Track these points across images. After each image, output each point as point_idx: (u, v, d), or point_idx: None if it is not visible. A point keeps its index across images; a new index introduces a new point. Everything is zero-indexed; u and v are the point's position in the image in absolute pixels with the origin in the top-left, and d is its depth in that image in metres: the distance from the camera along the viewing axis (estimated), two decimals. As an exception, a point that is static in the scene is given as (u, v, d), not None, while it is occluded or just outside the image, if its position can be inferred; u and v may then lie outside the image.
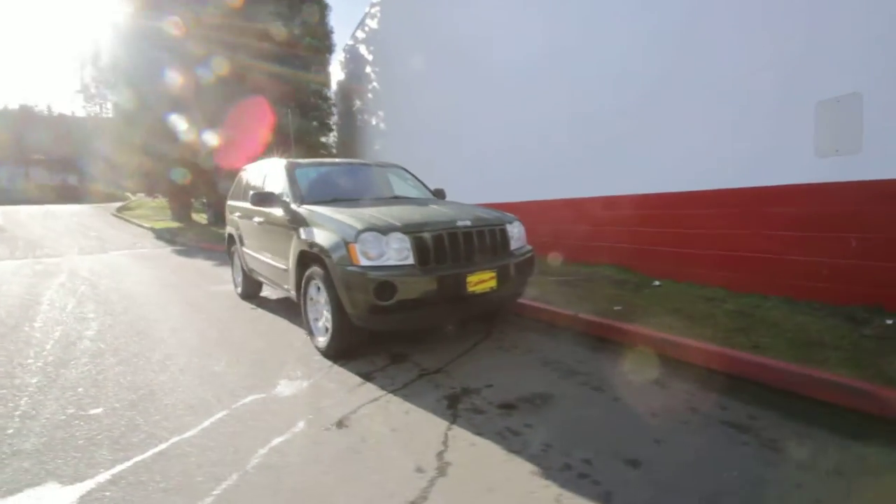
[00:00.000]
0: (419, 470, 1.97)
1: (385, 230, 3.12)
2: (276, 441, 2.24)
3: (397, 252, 3.10)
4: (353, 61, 14.92)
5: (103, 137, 18.16)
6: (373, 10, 13.25)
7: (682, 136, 4.72)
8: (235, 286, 5.88)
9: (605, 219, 5.59)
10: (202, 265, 8.82)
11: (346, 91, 15.35)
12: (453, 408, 2.54)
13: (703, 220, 4.57)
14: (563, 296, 4.58)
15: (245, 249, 5.16)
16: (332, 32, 14.10)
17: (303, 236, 3.59)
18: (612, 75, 5.46)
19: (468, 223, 3.42)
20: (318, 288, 3.47)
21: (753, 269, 4.16)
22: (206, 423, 2.44)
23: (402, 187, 4.92)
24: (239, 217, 5.36)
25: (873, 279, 3.41)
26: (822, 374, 2.52)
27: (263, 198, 4.11)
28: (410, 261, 3.10)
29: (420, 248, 3.14)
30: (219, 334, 4.19)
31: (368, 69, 13.94)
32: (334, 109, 14.47)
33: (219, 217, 18.12)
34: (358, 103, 15.17)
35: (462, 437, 2.22)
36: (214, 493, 1.86)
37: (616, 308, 4.13)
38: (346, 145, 15.01)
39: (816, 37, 3.62)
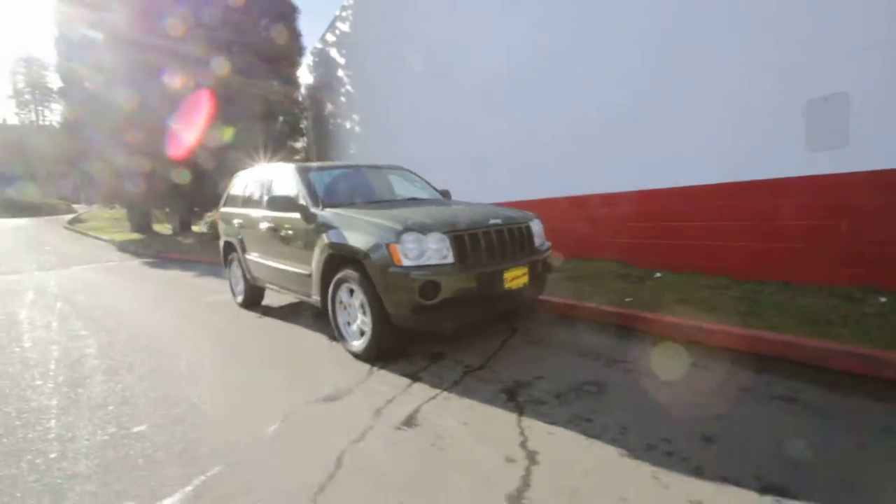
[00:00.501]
0: (509, 460, 2.01)
1: (424, 230, 3.14)
2: (354, 443, 2.22)
3: (437, 251, 3.12)
4: (323, 65, 14.71)
5: (48, 146, 17.00)
6: (344, 14, 13.13)
7: (679, 135, 5.00)
8: (234, 295, 5.68)
9: (603, 216, 5.81)
10: (183, 277, 8.44)
11: (316, 95, 15.10)
12: (513, 400, 2.60)
13: (700, 214, 4.85)
14: (573, 290, 4.73)
15: (249, 257, 5.01)
16: (300, 35, 13.82)
17: (330, 240, 3.54)
18: (608, 75, 5.70)
19: (499, 221, 3.49)
20: (351, 291, 3.44)
21: (750, 258, 4.46)
22: (271, 431, 2.38)
23: (411, 189, 4.93)
24: (239, 224, 5.19)
25: (864, 262, 3.75)
26: (851, 347, 2.75)
27: (280, 202, 4.01)
28: (450, 260, 3.13)
29: (459, 246, 3.18)
30: (237, 344, 4.06)
31: (341, 73, 13.78)
32: (306, 114, 14.18)
33: (185, 226, 17.36)
34: (329, 107, 14.95)
35: (537, 427, 2.28)
36: (317, 495, 1.83)
37: (627, 299, 4.32)
38: (319, 150, 14.75)
39: (809, 40, 3.95)
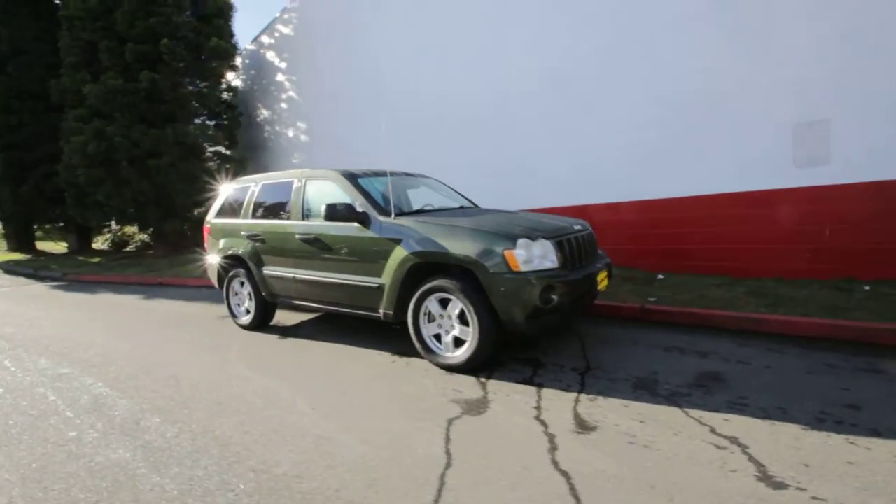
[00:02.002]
0: (720, 447, 2.14)
1: (534, 236, 3.18)
2: (549, 455, 2.17)
3: (545, 257, 3.17)
4: (257, 68, 13.76)
5: None
6: (286, 16, 12.48)
7: (681, 150, 5.61)
8: (235, 316, 5.07)
9: (604, 223, 6.26)
10: (130, 301, 7.30)
11: (248, 100, 14.04)
12: (657, 395, 2.73)
13: (698, 221, 5.49)
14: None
15: (269, 271, 4.53)
16: (233, 36, 12.80)
17: (416, 248, 3.39)
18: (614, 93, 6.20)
19: (580, 227, 3.65)
20: (443, 301, 3.33)
21: (747, 259, 5.16)
22: (447, 450, 2.23)
23: (444, 197, 4.86)
24: (251, 236, 4.68)
25: (844, 258, 4.57)
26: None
27: (339, 212, 3.73)
28: (556, 264, 3.20)
29: (561, 251, 3.26)
30: (301, 375, 3.65)
31: (281, 77, 13.01)
32: (241, 119, 13.10)
33: (83, 243, 14.83)
34: (265, 113, 14.02)
35: (710, 417, 2.43)
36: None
37: (651, 299, 4.73)
38: (254, 158, 13.68)
39: (797, 74, 4.73)
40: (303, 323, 5.07)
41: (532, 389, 2.93)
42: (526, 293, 3.01)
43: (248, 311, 4.95)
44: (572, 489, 1.90)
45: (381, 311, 3.69)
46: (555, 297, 3.08)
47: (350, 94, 10.66)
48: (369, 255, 3.72)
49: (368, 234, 3.73)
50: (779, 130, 4.83)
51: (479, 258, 3.10)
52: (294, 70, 12.59)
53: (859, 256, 4.48)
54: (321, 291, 4.13)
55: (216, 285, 5.32)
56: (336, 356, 3.88)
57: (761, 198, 5.05)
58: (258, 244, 4.64)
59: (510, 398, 2.82)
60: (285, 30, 12.69)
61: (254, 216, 4.80)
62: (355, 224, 3.80)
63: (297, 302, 4.46)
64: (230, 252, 4.96)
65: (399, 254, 3.50)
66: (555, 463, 2.10)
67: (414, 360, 3.60)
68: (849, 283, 4.45)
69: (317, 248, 4.10)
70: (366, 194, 3.93)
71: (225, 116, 12.09)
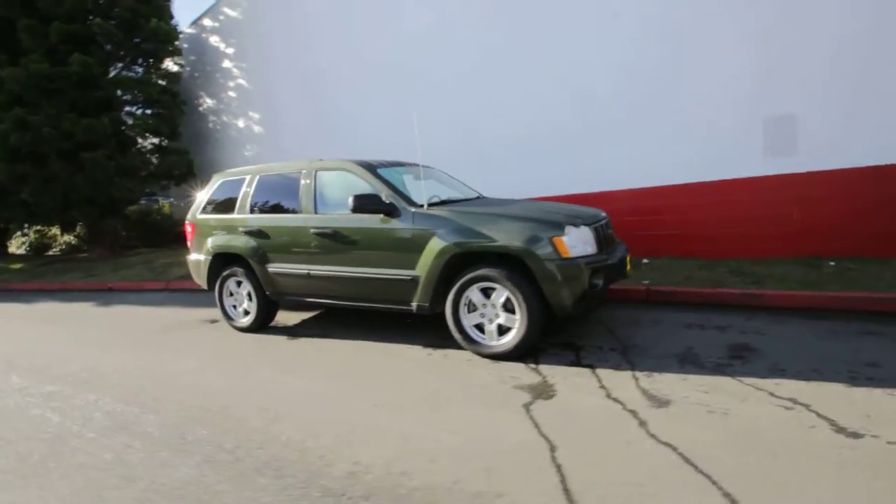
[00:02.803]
0: (788, 408, 2.35)
1: (577, 223, 3.28)
2: (643, 430, 2.27)
3: (587, 243, 3.27)
4: (198, 53, 12.75)
5: None
6: (233, -1, 11.65)
7: (657, 140, 5.97)
8: (230, 319, 4.73)
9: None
10: (84, 310, 6.59)
11: (188, 87, 12.97)
12: (704, 367, 2.94)
13: (676, 209, 5.89)
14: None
15: (275, 268, 4.26)
16: (173, 17, 11.74)
17: (455, 239, 3.36)
18: (598, 83, 6.45)
19: (604, 215, 3.81)
20: (485, 291, 3.33)
21: (721, 241, 5.63)
22: (542, 434, 2.26)
23: (454, 188, 4.82)
24: (251, 232, 4.38)
25: (809, 238, 5.13)
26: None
27: (366, 203, 3.59)
28: (595, 250, 3.32)
29: (598, 238, 3.39)
30: (327, 370, 3.51)
31: (228, 64, 12.15)
32: (184, 108, 12.08)
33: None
34: (209, 102, 13.04)
35: (761, 383, 2.65)
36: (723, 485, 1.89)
37: (645, 281, 5.04)
38: (197, 150, 12.69)
39: (767, 71, 5.21)
40: (304, 322, 4.84)
41: (586, 371, 3.04)
42: (577, 278, 3.11)
43: (246, 313, 4.64)
44: (684, 458, 2.01)
45: (415, 303, 3.62)
46: (600, 281, 3.21)
47: (314, 85, 10.20)
48: (400, 247, 3.63)
49: (398, 224, 3.63)
50: (751, 123, 5.32)
51: (530, 246, 3.14)
52: (243, 56, 11.81)
53: (823, 237, 5.06)
54: (342, 287, 3.97)
55: (204, 286, 4.93)
56: (363, 352, 3.76)
57: (731, 186, 5.53)
58: (261, 240, 4.35)
59: (571, 380, 2.91)
60: (233, 13, 11.86)
61: (253, 210, 4.49)
62: (379, 215, 3.69)
63: (309, 299, 4.25)
64: (224, 250, 4.61)
65: (436, 244, 3.44)
66: (653, 436, 2.20)
67: (451, 352, 3.57)
68: (816, 261, 5.01)
69: (336, 242, 3.93)
70: (389, 185, 3.82)
71: (164, 105, 11.04)
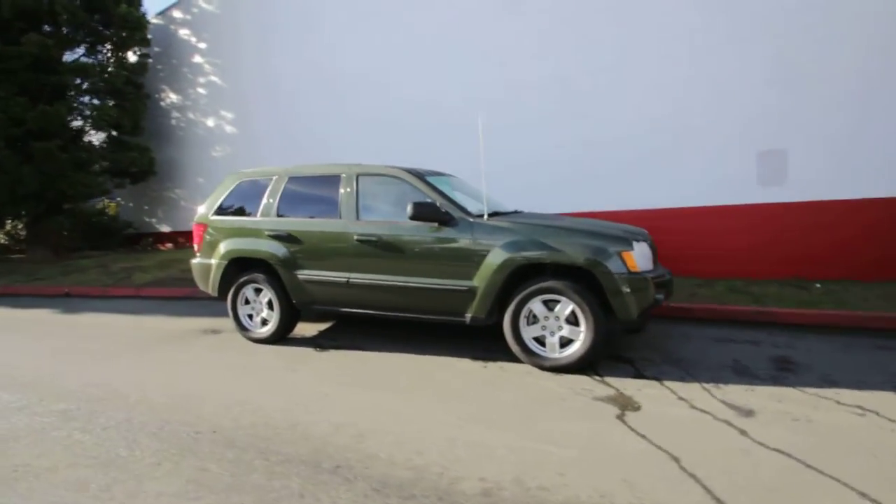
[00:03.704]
0: (860, 414, 2.54)
1: (639, 239, 3.40)
2: (748, 439, 2.36)
3: (646, 259, 3.40)
4: (164, 45, 11.94)
5: None
6: (208, -9, 11.07)
7: (660, 172, 6.35)
8: (245, 329, 4.39)
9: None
10: (47, 318, 5.88)
11: (150, 80, 12.07)
12: (760, 378, 3.11)
13: (676, 231, 6.26)
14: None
15: (307, 275, 4.02)
16: (142, 4, 10.94)
17: (520, 251, 3.36)
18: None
19: (647, 233, 3.97)
20: (548, 303, 3.34)
21: (718, 262, 6.04)
22: (654, 444, 2.29)
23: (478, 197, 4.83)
24: (279, 237, 4.12)
25: (795, 260, 5.64)
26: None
27: (425, 212, 3.51)
28: (651, 266, 3.45)
29: (653, 254, 3.53)
30: (387, 383, 3.35)
31: (199, 59, 11.48)
32: (147, 102, 11.21)
33: None
34: (173, 97, 12.20)
35: (822, 392, 2.85)
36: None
37: (657, 296, 5.30)
38: (156, 147, 11.78)
39: (758, 110, 5.73)
40: (323, 333, 4.60)
41: (654, 383, 3.12)
42: (644, 291, 3.21)
43: (264, 322, 4.33)
44: (803, 463, 2.11)
45: (469, 315, 3.56)
46: (661, 295, 3.34)
47: (295, 85, 9.86)
48: (457, 257, 3.57)
49: (455, 234, 3.58)
50: (744, 155, 5.82)
51: (600, 259, 3.21)
52: (218, 52, 11.22)
53: (807, 260, 5.59)
54: (387, 296, 3.82)
55: (211, 293, 4.53)
56: (411, 365, 3.63)
57: (724, 211, 6.00)
58: (291, 245, 4.10)
59: (645, 392, 2.97)
60: (208, 7, 11.26)
61: (280, 214, 4.23)
62: (432, 224, 3.62)
63: (343, 309, 4.04)
64: (245, 255, 4.29)
65: (499, 256, 3.42)
66: (761, 444, 2.29)
67: (505, 364, 3.54)
68: (803, 282, 5.52)
69: (382, 250, 3.79)
70: (442, 193, 3.77)
71: (127, 97, 10.18)
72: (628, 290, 3.17)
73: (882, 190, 5.30)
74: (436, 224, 3.62)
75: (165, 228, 12.79)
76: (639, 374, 3.27)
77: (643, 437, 2.41)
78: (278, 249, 4.14)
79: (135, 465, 2.29)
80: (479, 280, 3.49)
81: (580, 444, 2.37)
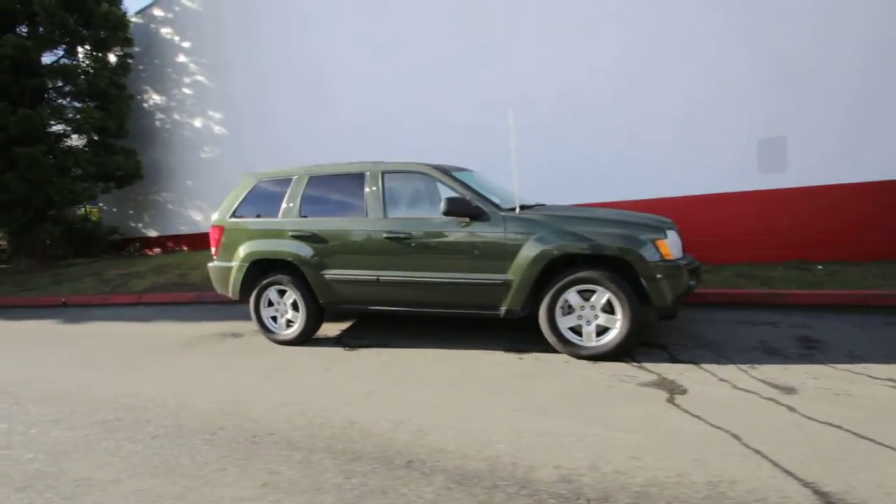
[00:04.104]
0: (893, 386, 2.69)
1: (669, 228, 3.48)
2: (799, 415, 2.47)
3: (677, 247, 3.49)
4: (145, 45, 11.58)
5: None
6: (192, -12, 10.76)
7: (663, 158, 6.49)
8: (269, 332, 4.34)
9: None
10: (51, 329, 5.66)
11: (132, 81, 11.69)
12: (790, 356, 3.24)
13: (681, 218, 6.41)
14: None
15: (337, 275, 3.99)
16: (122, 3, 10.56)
17: (554, 242, 3.41)
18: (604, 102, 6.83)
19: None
20: (584, 293, 3.40)
21: (720, 247, 6.22)
22: (714, 425, 2.38)
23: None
24: (302, 237, 4.08)
25: (796, 244, 5.85)
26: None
27: (458, 207, 3.53)
28: (681, 254, 3.55)
29: (682, 242, 3.62)
30: (428, 379, 3.37)
31: (184, 58, 11.18)
32: (131, 104, 10.86)
33: None
34: (156, 98, 11.86)
35: (852, 367, 2.99)
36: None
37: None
38: (140, 150, 11.43)
39: (758, 100, 5.90)
40: (346, 332, 4.58)
41: (691, 367, 3.21)
42: (679, 279, 3.31)
43: (289, 324, 4.28)
44: (856, 434, 2.22)
45: (504, 307, 3.60)
46: (694, 281, 3.44)
47: (281, 84, 9.68)
48: (490, 251, 3.60)
49: (488, 228, 3.60)
50: (748, 143, 6.00)
51: (636, 248, 3.28)
52: (203, 51, 10.95)
53: (808, 243, 5.81)
54: (419, 293, 3.82)
55: (233, 296, 4.45)
56: (449, 360, 3.65)
57: (728, 198, 6.18)
58: (317, 245, 4.06)
59: (687, 376, 3.06)
60: (191, 4, 10.97)
61: (303, 214, 4.18)
62: (463, 219, 3.63)
63: (372, 307, 4.03)
64: (267, 256, 4.23)
65: (532, 248, 3.46)
66: (811, 419, 2.40)
67: (541, 355, 3.59)
68: (805, 264, 5.73)
69: (413, 247, 3.79)
70: (470, 188, 3.78)
71: (112, 98, 9.84)
72: (664, 277, 3.26)
73: (877, 174, 5.53)
74: (466, 219, 3.64)
75: (153, 233, 12.48)
76: (674, 359, 3.36)
77: (698, 418, 2.49)
78: (303, 250, 4.10)
79: (200, 471, 2.26)
80: (514, 273, 3.53)
81: (641, 428, 2.43)
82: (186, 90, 11.29)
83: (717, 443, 2.24)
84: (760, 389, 2.79)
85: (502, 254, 3.57)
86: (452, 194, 3.72)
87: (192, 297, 6.74)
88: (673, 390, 2.86)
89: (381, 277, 3.89)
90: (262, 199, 4.43)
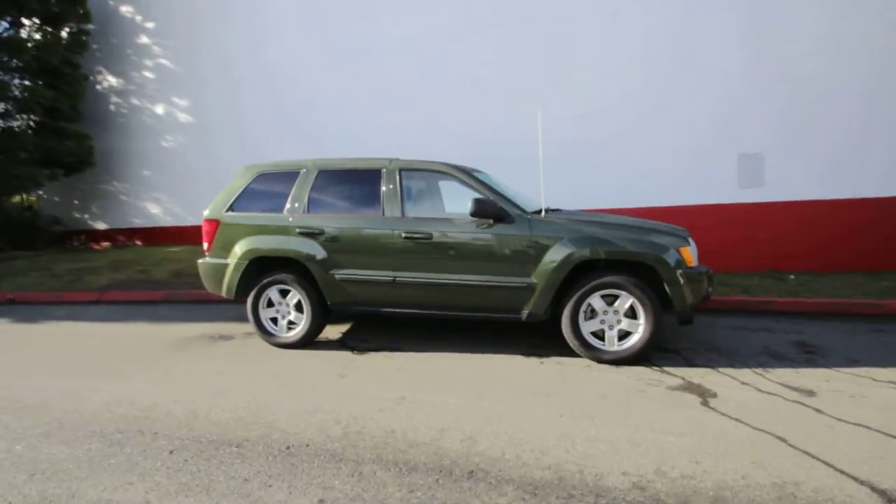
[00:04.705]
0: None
1: (688, 236, 3.58)
2: (826, 416, 2.59)
3: (695, 254, 3.60)
4: (101, 23, 10.67)
5: None
6: (157, -35, 10.04)
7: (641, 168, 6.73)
8: (269, 335, 4.07)
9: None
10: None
11: (84, 61, 10.73)
12: (794, 361, 3.42)
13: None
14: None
15: (348, 274, 3.81)
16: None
17: (581, 247, 3.42)
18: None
19: (678, 229, 4.22)
20: (608, 297, 3.43)
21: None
22: (756, 428, 2.45)
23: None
24: (310, 234, 3.86)
25: (770, 255, 6.24)
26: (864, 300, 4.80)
27: (486, 208, 3.48)
28: (697, 261, 3.67)
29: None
30: (457, 385, 3.27)
31: (146, 40, 10.41)
32: (86, 84, 9.94)
33: None
34: (111, 80, 10.95)
35: (855, 371, 3.20)
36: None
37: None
38: (93, 134, 10.50)
39: (738, 119, 6.25)
40: (348, 335, 4.40)
41: (710, 371, 3.31)
42: (700, 285, 3.41)
43: (290, 326, 4.04)
44: (887, 434, 2.35)
45: (526, 311, 3.57)
46: (711, 288, 3.56)
47: (253, 73, 9.27)
48: (515, 254, 3.57)
49: (512, 231, 3.57)
50: (727, 159, 6.35)
51: (662, 255, 3.35)
52: (169, 33, 10.27)
53: (780, 255, 6.22)
54: (438, 295, 3.72)
55: (226, 295, 4.15)
56: (468, 364, 3.56)
57: (706, 210, 6.51)
58: (327, 243, 3.86)
59: (710, 379, 3.15)
60: (156, -18, 10.21)
61: (312, 209, 3.97)
62: (485, 220, 3.58)
63: (386, 309, 3.87)
64: (270, 254, 3.98)
65: (559, 252, 3.46)
66: (840, 419, 2.52)
67: (561, 359, 3.60)
68: (777, 274, 6.13)
69: (434, 248, 3.69)
70: (493, 190, 3.73)
71: (65, 78, 8.96)
72: (686, 283, 3.35)
73: (849, 192, 6.02)
74: (490, 220, 3.59)
75: (101, 225, 11.48)
76: (690, 363, 3.46)
77: (738, 421, 2.56)
78: (312, 248, 3.88)
79: (242, 488, 2.05)
80: (539, 276, 3.51)
81: (689, 432, 2.46)
82: (148, 73, 10.51)
83: (766, 445, 2.31)
84: (782, 392, 2.91)
85: (527, 257, 3.54)
86: (476, 195, 3.65)
87: (162, 296, 6.25)
88: (703, 394, 2.93)
89: (398, 278, 3.75)
90: (263, 192, 4.16)
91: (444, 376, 3.36)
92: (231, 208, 4.17)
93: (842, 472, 2.07)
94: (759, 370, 3.30)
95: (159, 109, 10.46)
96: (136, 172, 10.84)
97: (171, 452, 2.38)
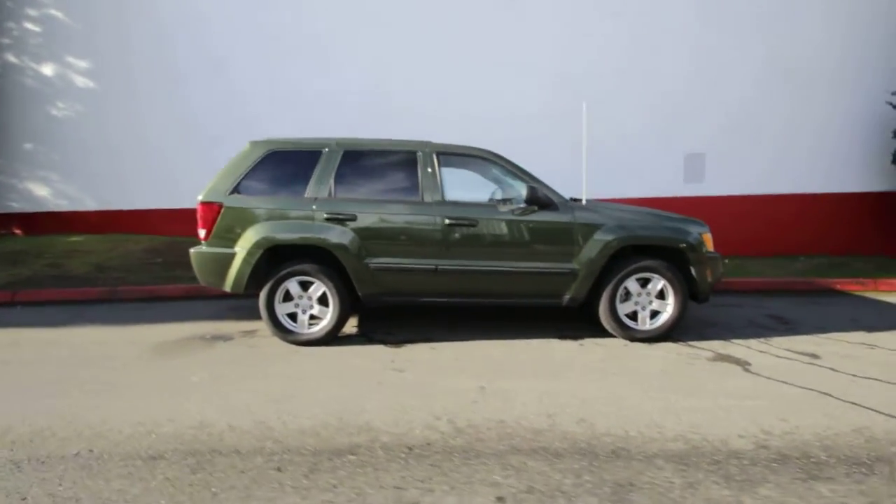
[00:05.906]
0: (870, 347, 3.55)
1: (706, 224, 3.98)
2: (847, 377, 3.10)
3: (712, 241, 4.01)
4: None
5: None
6: None
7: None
8: (286, 332, 3.65)
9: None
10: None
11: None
12: (779, 331, 4.02)
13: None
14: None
15: (384, 263, 3.57)
16: None
17: (620, 233, 3.64)
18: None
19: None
20: (642, 281, 3.69)
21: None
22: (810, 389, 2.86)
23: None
24: (338, 220, 3.55)
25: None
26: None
27: (539, 197, 3.55)
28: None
29: (704, 237, 4.19)
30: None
31: (25, -19, 8.42)
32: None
33: None
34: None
35: (835, 337, 3.87)
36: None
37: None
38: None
39: (682, 121, 7.03)
40: (368, 328, 4.14)
41: (726, 343, 3.75)
42: (719, 267, 3.85)
43: (311, 321, 3.68)
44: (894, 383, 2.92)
45: (568, 296, 3.69)
46: (723, 269, 4.01)
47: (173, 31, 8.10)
48: (559, 240, 3.67)
49: (557, 217, 3.65)
50: (675, 158, 7.14)
51: (692, 241, 3.69)
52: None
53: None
54: (483, 283, 3.67)
55: (231, 289, 3.65)
56: (515, 351, 3.60)
57: (657, 203, 7.27)
58: (360, 230, 3.58)
59: (732, 350, 3.59)
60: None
61: (339, 193, 3.63)
62: (528, 206, 3.64)
63: (424, 299, 3.72)
64: (292, 242, 3.58)
65: (600, 238, 3.63)
66: (854, 376, 3.05)
67: (598, 340, 3.81)
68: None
69: (477, 235, 3.62)
70: (534, 177, 3.77)
71: None
72: (710, 266, 3.74)
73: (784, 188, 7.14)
74: (535, 207, 3.63)
75: (-44, 211, 9.19)
76: (704, 337, 3.89)
77: (784, 382, 2.96)
78: (342, 235, 3.56)
79: (405, 497, 1.85)
80: (580, 262, 3.64)
81: (756, 395, 2.79)
82: (31, 26, 8.59)
83: (820, 400, 2.71)
84: (795, 357, 3.43)
85: (570, 243, 3.65)
86: (514, 181, 3.67)
87: (100, 294, 5.24)
88: (738, 362, 3.32)
89: (440, 266, 3.62)
90: (275, 173, 3.71)
91: (503, 362, 3.35)
92: (236, 190, 3.65)
93: (889, 415, 2.52)
94: (762, 340, 3.83)
95: (48, 70, 8.63)
96: (15, 146, 8.86)
97: (279, 470, 2.07)
